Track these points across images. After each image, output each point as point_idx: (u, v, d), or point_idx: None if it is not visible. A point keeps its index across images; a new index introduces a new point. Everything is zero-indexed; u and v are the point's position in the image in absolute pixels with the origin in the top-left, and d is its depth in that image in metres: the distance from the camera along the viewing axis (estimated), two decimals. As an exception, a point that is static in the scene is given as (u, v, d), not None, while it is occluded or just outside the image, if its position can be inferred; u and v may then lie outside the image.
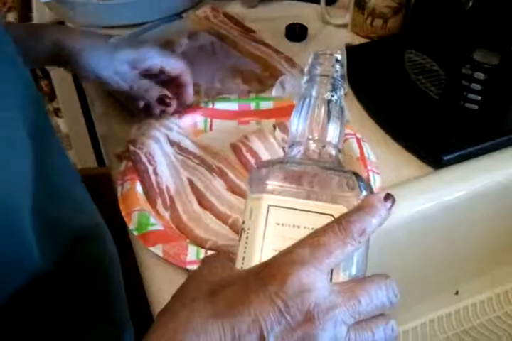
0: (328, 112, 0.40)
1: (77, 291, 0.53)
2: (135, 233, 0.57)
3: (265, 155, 0.65)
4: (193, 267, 0.54)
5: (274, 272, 0.32)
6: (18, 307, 0.43)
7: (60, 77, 1.29)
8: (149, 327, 0.34)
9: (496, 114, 0.65)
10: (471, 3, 0.60)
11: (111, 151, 0.71)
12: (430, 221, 0.64)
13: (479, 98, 0.63)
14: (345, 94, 0.75)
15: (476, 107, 0.64)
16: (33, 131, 0.42)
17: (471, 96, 0.64)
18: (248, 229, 0.36)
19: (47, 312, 0.48)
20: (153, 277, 0.57)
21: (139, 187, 0.62)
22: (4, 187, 0.38)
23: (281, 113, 0.70)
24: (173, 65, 0.67)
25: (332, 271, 0.33)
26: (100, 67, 0.64)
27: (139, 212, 0.59)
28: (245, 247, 0.36)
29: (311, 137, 0.40)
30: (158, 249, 0.56)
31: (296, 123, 0.41)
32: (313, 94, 0.40)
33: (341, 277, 0.34)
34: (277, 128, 0.68)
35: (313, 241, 0.33)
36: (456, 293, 0.76)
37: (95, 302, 0.57)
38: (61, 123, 1.67)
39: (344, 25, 0.89)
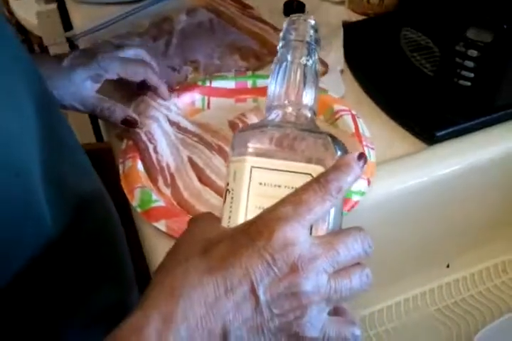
0: (304, 76, 0.42)
1: (85, 254, 0.55)
2: (138, 209, 0.59)
3: None
4: None
5: (260, 229, 0.35)
6: (31, 272, 0.45)
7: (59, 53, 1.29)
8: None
9: (488, 90, 0.66)
10: (465, -19, 0.61)
11: (110, 128, 0.72)
12: (423, 195, 0.66)
13: (472, 75, 0.65)
14: (342, 71, 0.77)
15: (469, 84, 0.65)
16: (38, 101, 0.44)
17: (464, 73, 0.65)
18: (232, 189, 0.39)
19: (57, 276, 0.51)
20: (156, 251, 0.59)
21: (140, 165, 0.63)
22: (15, 149, 0.40)
23: None
24: (133, 73, 0.66)
25: (312, 225, 0.37)
26: (59, 97, 0.63)
27: (141, 189, 0.60)
28: (231, 207, 0.39)
29: (287, 101, 0.42)
30: (161, 225, 0.57)
31: (273, 88, 0.43)
32: (289, 58, 0.42)
33: (320, 231, 0.37)
34: None
35: (295, 199, 0.36)
36: (448, 266, 0.78)
37: (103, 264, 0.60)
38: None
39: (341, 2, 0.89)
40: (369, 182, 0.60)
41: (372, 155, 0.62)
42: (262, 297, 0.34)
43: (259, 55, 0.79)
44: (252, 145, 0.39)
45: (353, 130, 0.64)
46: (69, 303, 0.54)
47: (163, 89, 0.68)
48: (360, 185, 0.59)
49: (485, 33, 0.61)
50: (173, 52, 0.79)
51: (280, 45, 0.43)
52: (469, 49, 0.63)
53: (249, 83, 0.72)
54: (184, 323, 0.33)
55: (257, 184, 0.38)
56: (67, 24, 1.01)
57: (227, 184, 0.40)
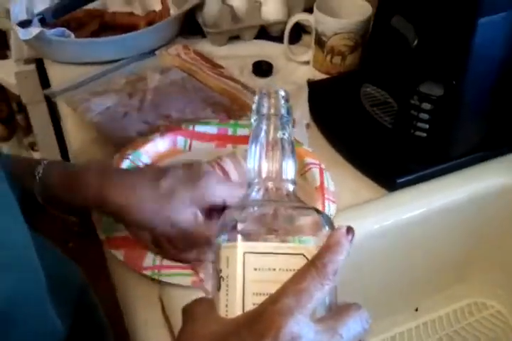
0: (282, 151, 0.42)
1: None
2: (102, 236, 0.62)
3: (234, 174, 0.70)
4: (149, 273, 0.59)
5: (266, 325, 0.34)
6: None
7: (37, 111, 1.33)
8: None
9: (442, 141, 0.71)
10: (416, 42, 0.67)
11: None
12: (386, 240, 0.69)
13: (427, 126, 0.69)
14: (308, 125, 0.81)
15: (425, 135, 0.70)
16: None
17: (419, 124, 0.70)
18: (227, 276, 0.38)
19: None
20: (118, 275, 0.62)
21: None
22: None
23: None
24: (236, 197, 0.57)
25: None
26: (153, 222, 0.56)
27: (108, 217, 0.62)
28: (227, 294, 0.37)
29: (269, 177, 0.42)
30: (119, 254, 0.60)
31: (253, 165, 0.42)
32: (264, 133, 0.42)
33: (319, 310, 0.37)
34: None
35: (295, 288, 0.35)
36: (416, 309, 0.81)
37: None
38: (36, 157, 1.70)
39: (306, 62, 0.95)
40: None
41: (332, 209, 0.65)
42: None
43: (230, 111, 0.83)
44: (241, 229, 0.38)
45: (318, 184, 0.68)
46: None
47: None
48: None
49: (436, 86, 0.66)
50: (148, 108, 0.83)
51: (253, 118, 0.43)
52: (423, 102, 0.68)
53: (230, 131, 0.76)
54: None
55: (251, 269, 0.37)
56: (45, 82, 1.05)
57: (220, 270, 0.38)
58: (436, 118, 0.68)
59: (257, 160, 0.42)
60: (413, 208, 0.69)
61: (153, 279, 0.60)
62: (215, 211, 0.59)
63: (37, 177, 0.58)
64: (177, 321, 0.55)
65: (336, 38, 0.88)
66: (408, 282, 0.76)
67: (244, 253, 0.37)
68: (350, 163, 0.75)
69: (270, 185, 0.42)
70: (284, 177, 0.42)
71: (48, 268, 0.45)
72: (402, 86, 0.71)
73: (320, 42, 0.90)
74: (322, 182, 0.68)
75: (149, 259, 0.60)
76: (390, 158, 0.73)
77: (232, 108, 0.84)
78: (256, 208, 0.40)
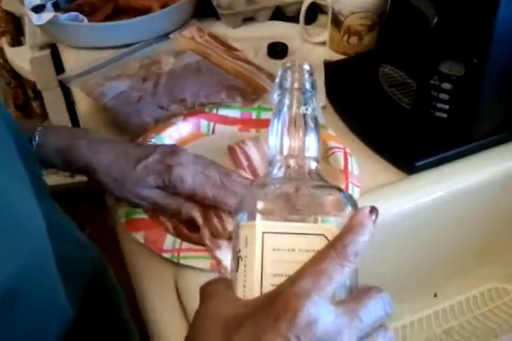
0: (305, 127, 0.40)
1: (94, 326, 0.54)
2: (123, 219, 0.63)
3: (257, 160, 0.69)
4: (168, 255, 0.59)
5: (283, 307, 0.33)
6: None
7: (52, 97, 1.33)
8: None
9: (463, 122, 0.69)
10: (436, 20, 0.65)
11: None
12: (405, 223, 0.67)
13: (447, 107, 0.67)
14: (324, 107, 0.80)
15: (445, 116, 0.68)
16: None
17: (439, 105, 0.68)
18: (245, 256, 0.37)
19: None
20: (134, 261, 0.63)
21: None
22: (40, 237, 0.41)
23: None
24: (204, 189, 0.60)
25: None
26: (142, 190, 0.60)
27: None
28: (245, 275, 0.36)
29: (291, 154, 0.40)
30: (140, 236, 0.61)
31: (275, 141, 0.40)
32: (287, 108, 0.40)
33: (339, 293, 0.35)
34: None
35: (314, 269, 0.34)
36: (435, 295, 0.80)
37: (108, 331, 0.59)
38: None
39: (322, 43, 0.93)
40: None
41: (356, 192, 0.64)
42: None
43: (245, 94, 0.82)
44: (260, 208, 0.37)
45: (342, 167, 0.67)
46: None
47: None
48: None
49: (457, 66, 0.64)
50: (162, 92, 0.82)
51: (276, 93, 0.41)
52: (443, 82, 0.66)
53: (254, 114, 0.75)
54: None
55: (270, 250, 0.36)
56: (59, 68, 1.05)
57: (239, 250, 0.37)
58: (457, 98, 0.66)
59: (278, 137, 0.40)
60: (432, 191, 0.67)
61: (172, 262, 0.59)
62: None
63: (33, 144, 0.61)
64: (192, 306, 0.55)
65: (352, 17, 0.86)
66: (427, 267, 0.74)
67: (263, 233, 0.36)
68: (367, 146, 0.74)
69: (292, 162, 0.40)
70: (306, 154, 0.40)
71: (60, 249, 0.45)
72: (421, 66, 0.69)
73: (336, 22, 0.88)
74: (346, 166, 0.67)
75: (169, 242, 0.60)
76: (408, 140, 0.71)
77: (246, 90, 0.83)
78: (277, 186, 0.38)
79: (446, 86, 0.66)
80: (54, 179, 1.45)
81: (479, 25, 0.62)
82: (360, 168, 0.68)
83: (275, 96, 0.42)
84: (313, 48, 0.93)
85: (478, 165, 0.69)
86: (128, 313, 0.65)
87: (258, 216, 0.36)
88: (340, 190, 0.38)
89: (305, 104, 0.41)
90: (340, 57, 0.90)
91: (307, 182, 0.39)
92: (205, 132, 0.75)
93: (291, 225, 0.36)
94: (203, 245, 0.60)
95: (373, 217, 0.36)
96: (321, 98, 0.81)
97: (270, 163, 0.41)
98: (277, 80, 0.42)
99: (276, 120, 0.41)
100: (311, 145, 0.40)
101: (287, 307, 0.33)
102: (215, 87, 0.83)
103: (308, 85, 0.41)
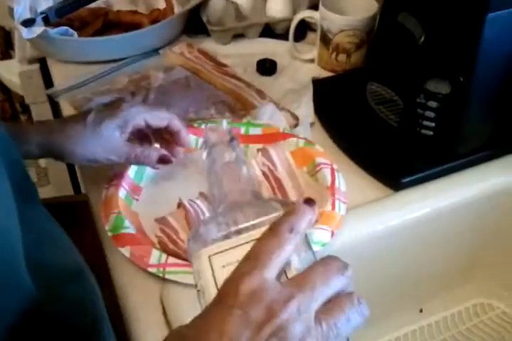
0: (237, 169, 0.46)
1: (62, 326, 0.54)
2: (109, 234, 0.63)
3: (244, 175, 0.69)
4: (154, 270, 0.59)
5: (226, 290, 0.35)
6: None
7: (40, 112, 1.32)
8: None
9: (449, 139, 0.70)
10: (423, 39, 0.66)
11: (88, 180, 0.75)
12: (391, 240, 0.68)
13: (433, 124, 0.68)
14: (312, 124, 0.80)
15: (431, 133, 0.69)
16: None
17: (426, 123, 0.69)
18: (201, 285, 0.39)
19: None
20: (122, 276, 0.62)
21: (121, 193, 0.67)
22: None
23: (268, 139, 0.74)
24: (160, 119, 0.66)
25: (284, 272, 0.37)
26: (91, 153, 0.63)
27: (116, 215, 0.64)
28: (205, 302, 0.38)
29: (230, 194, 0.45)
30: (126, 250, 0.61)
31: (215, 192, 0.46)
32: (215, 162, 0.47)
33: (290, 274, 0.37)
34: (259, 153, 0.72)
35: (252, 251, 0.36)
36: (421, 310, 0.80)
37: (81, 334, 0.59)
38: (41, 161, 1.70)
39: (311, 60, 0.94)
40: (333, 234, 0.61)
41: (342, 209, 0.64)
42: None
43: (234, 110, 0.83)
44: (202, 239, 0.40)
45: (329, 184, 0.67)
46: None
47: (184, 134, 0.68)
48: (322, 235, 0.61)
49: (443, 84, 0.65)
50: (151, 107, 0.82)
51: (205, 153, 0.48)
52: (429, 100, 0.67)
53: (243, 130, 0.76)
54: None
55: (220, 268, 0.38)
56: (48, 82, 1.05)
57: (196, 285, 0.40)
58: (443, 116, 0.67)
59: (217, 187, 0.46)
60: (419, 208, 0.68)
61: (158, 276, 0.59)
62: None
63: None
64: (177, 320, 0.55)
65: (341, 35, 0.86)
66: (413, 282, 0.75)
67: (209, 256, 0.39)
68: (355, 162, 0.74)
69: (231, 199, 0.44)
70: (246, 187, 0.45)
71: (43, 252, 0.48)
72: (408, 84, 0.70)
73: (325, 40, 0.89)
74: (333, 182, 0.67)
75: (155, 257, 0.60)
76: (395, 157, 0.72)
77: (235, 106, 0.83)
78: (220, 221, 0.42)
79: (432, 104, 0.67)
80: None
81: (465, 44, 0.63)
82: (347, 184, 0.68)
83: (204, 155, 0.49)
84: (302, 65, 0.94)
85: (464, 182, 0.70)
86: (105, 321, 0.65)
87: (202, 245, 0.40)
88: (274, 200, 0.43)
89: (230, 153, 0.48)
90: (329, 74, 0.91)
91: (247, 210, 0.43)
92: (193, 147, 0.75)
93: (234, 239, 0.40)
94: (188, 260, 0.59)
95: (311, 204, 0.38)
96: (309, 114, 0.81)
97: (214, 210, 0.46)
98: (202, 142, 0.48)
99: (211, 175, 0.47)
100: (249, 179, 0.46)
101: (230, 288, 0.35)
102: (204, 103, 0.83)
103: (230, 136, 0.49)
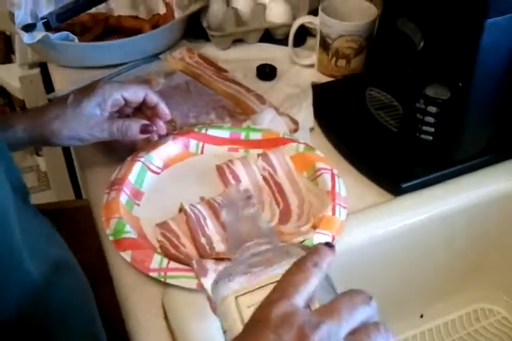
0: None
1: (51, 320, 0.55)
2: (110, 238, 0.63)
3: (245, 179, 0.69)
4: (155, 274, 0.59)
5: (258, 316, 0.37)
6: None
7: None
8: None
9: (448, 144, 0.70)
10: (422, 45, 0.66)
11: (90, 185, 0.75)
12: (391, 245, 0.68)
13: (433, 130, 0.69)
14: (312, 129, 0.80)
15: (431, 138, 0.69)
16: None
17: (425, 128, 0.69)
18: (229, 326, 0.40)
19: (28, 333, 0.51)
20: (122, 280, 0.62)
21: (122, 197, 0.67)
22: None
23: (268, 144, 0.74)
24: (135, 93, 0.69)
25: (309, 306, 0.38)
26: (78, 133, 0.67)
27: (117, 220, 0.64)
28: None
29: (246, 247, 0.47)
30: (127, 255, 0.61)
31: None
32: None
33: (314, 307, 0.38)
34: (260, 158, 0.72)
35: (279, 284, 0.38)
36: (421, 316, 0.80)
37: (70, 329, 0.59)
38: (41, 162, 1.70)
39: (311, 65, 0.94)
40: (333, 239, 0.62)
41: (343, 214, 0.65)
42: None
43: (234, 115, 0.83)
44: (229, 283, 0.42)
45: (330, 188, 0.67)
46: None
47: (162, 106, 0.71)
48: (323, 240, 0.61)
49: (442, 90, 0.66)
50: (151, 112, 0.82)
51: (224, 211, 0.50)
52: (429, 105, 0.67)
53: (243, 135, 0.76)
54: None
55: (246, 308, 0.40)
56: (49, 87, 1.05)
57: (223, 327, 0.41)
58: (442, 121, 0.68)
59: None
60: (419, 213, 0.68)
61: (159, 281, 0.59)
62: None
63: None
64: (178, 325, 0.55)
65: (340, 40, 0.87)
66: (413, 288, 0.75)
67: (236, 297, 0.41)
68: (354, 168, 0.74)
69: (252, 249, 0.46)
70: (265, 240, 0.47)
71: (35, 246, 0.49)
72: (407, 89, 0.70)
73: (325, 45, 0.89)
74: (333, 187, 0.67)
75: (156, 261, 0.60)
76: (395, 163, 0.72)
77: (235, 111, 0.84)
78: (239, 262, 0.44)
79: (432, 109, 0.67)
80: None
81: (464, 50, 0.63)
82: (347, 189, 0.68)
83: (224, 213, 0.50)
84: (302, 70, 0.94)
85: (463, 187, 0.70)
86: (96, 317, 0.65)
87: (229, 287, 0.41)
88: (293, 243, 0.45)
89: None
90: (328, 79, 0.91)
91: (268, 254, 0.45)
92: (193, 152, 0.76)
93: (259, 280, 0.41)
94: (190, 265, 0.60)
95: (330, 246, 0.41)
96: (309, 120, 0.82)
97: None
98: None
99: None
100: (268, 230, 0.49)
101: (262, 313, 0.37)
102: (204, 108, 0.84)
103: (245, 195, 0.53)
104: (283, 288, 0.37)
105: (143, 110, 0.73)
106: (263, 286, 0.41)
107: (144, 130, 0.69)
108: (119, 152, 0.77)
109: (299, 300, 0.37)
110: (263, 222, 0.49)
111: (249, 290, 0.41)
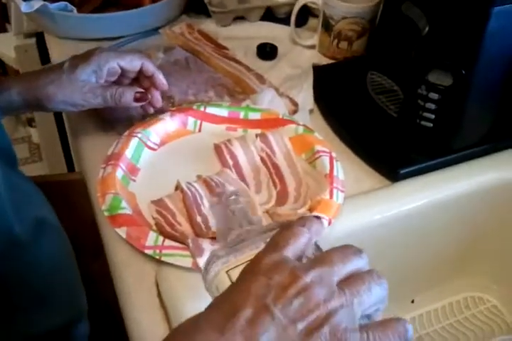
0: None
1: (31, 272, 0.57)
2: (106, 214, 0.62)
3: (243, 159, 0.69)
4: (150, 252, 0.59)
5: (248, 267, 0.37)
6: None
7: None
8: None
9: (448, 132, 0.70)
10: (426, 30, 0.65)
11: (85, 159, 0.74)
12: (387, 231, 0.68)
13: (433, 116, 0.68)
14: (312, 111, 0.80)
15: (431, 125, 0.69)
16: None
17: (426, 114, 0.69)
18: None
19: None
20: (117, 256, 0.62)
21: (118, 173, 0.66)
22: None
23: (267, 124, 0.74)
24: (131, 61, 0.70)
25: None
26: (72, 98, 0.67)
27: (113, 195, 0.63)
28: None
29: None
30: (122, 231, 0.61)
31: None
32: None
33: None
34: (258, 138, 0.72)
35: (268, 242, 0.39)
36: (412, 301, 0.80)
37: (48, 287, 0.61)
38: (33, 133, 1.68)
39: (312, 46, 0.94)
40: (330, 223, 0.62)
41: (340, 197, 0.65)
42: (272, 307, 0.34)
43: (233, 93, 0.82)
44: (218, 260, 0.43)
45: (328, 171, 0.67)
46: (7, 322, 0.54)
47: (159, 76, 0.72)
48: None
49: (445, 76, 0.65)
50: (150, 88, 0.81)
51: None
52: (430, 92, 0.67)
53: (242, 114, 0.75)
54: None
55: None
56: (44, 57, 1.03)
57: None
58: (443, 108, 0.67)
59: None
60: (415, 200, 0.68)
61: (153, 259, 0.59)
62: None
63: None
64: (172, 303, 0.55)
65: (343, 22, 0.86)
66: (406, 273, 0.75)
67: (227, 271, 0.42)
68: (353, 152, 0.74)
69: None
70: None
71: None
72: (409, 74, 0.70)
73: (327, 26, 0.88)
74: (331, 171, 0.67)
75: (151, 239, 0.60)
76: (393, 148, 0.72)
77: (235, 90, 0.83)
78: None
79: (434, 96, 0.67)
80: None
81: (469, 37, 0.62)
82: (345, 173, 0.68)
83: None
84: (303, 51, 0.94)
85: (461, 175, 0.70)
86: (77, 282, 0.67)
87: (219, 264, 0.42)
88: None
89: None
90: (329, 61, 0.91)
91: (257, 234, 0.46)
92: (191, 129, 0.75)
93: (247, 254, 0.42)
94: (185, 243, 0.60)
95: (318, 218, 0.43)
96: (308, 101, 0.81)
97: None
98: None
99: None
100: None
101: (251, 267, 0.38)
102: (203, 85, 0.83)
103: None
104: (272, 243, 0.38)
105: (140, 81, 0.73)
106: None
107: (139, 97, 0.70)
108: (115, 126, 0.76)
109: (289, 253, 0.38)
110: (251, 216, 0.50)
111: (239, 263, 0.41)
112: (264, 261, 0.37)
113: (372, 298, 0.37)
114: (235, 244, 0.44)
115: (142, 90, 0.70)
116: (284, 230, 0.40)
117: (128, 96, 0.69)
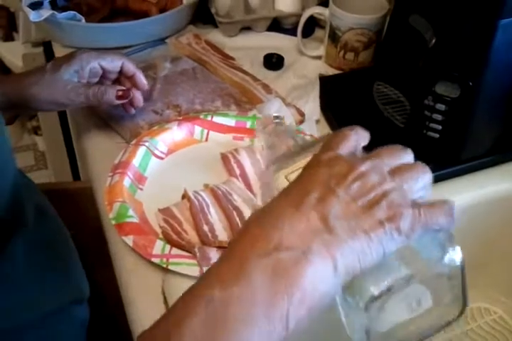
0: None
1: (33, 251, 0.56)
2: (113, 222, 0.62)
3: (249, 169, 0.69)
4: (157, 260, 0.59)
5: (307, 165, 0.43)
6: None
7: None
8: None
9: (454, 143, 0.70)
10: (434, 41, 0.66)
11: (93, 168, 0.75)
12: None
13: (440, 127, 0.68)
14: (318, 121, 0.80)
15: (438, 136, 0.69)
16: None
17: (432, 125, 0.69)
18: None
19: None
20: (123, 264, 0.62)
21: (126, 181, 0.67)
22: None
23: None
24: (112, 61, 0.72)
25: None
26: (55, 98, 0.69)
27: (120, 204, 0.64)
28: None
29: None
30: (129, 239, 0.61)
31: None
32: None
33: None
34: (265, 148, 0.72)
35: (322, 145, 0.43)
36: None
37: (48, 268, 0.59)
38: (39, 141, 1.69)
39: (318, 57, 0.94)
40: None
41: None
42: (336, 189, 0.39)
43: (240, 103, 0.82)
44: (277, 163, 0.49)
45: None
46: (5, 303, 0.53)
47: (139, 75, 0.74)
48: None
49: (452, 88, 0.65)
50: (157, 97, 0.82)
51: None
52: (437, 103, 0.67)
53: (249, 124, 0.76)
54: None
55: None
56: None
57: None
58: (450, 119, 0.67)
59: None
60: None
61: (160, 267, 0.59)
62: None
63: None
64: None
65: (350, 33, 0.86)
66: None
67: (286, 176, 0.48)
68: (359, 161, 0.74)
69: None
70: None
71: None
72: (416, 85, 0.70)
73: (333, 37, 0.89)
74: None
75: (158, 247, 0.60)
76: (400, 158, 0.72)
77: (241, 100, 0.83)
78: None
79: (441, 107, 0.67)
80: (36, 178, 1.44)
81: (476, 49, 0.63)
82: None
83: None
84: (309, 61, 0.94)
85: (468, 186, 0.70)
86: (78, 265, 0.65)
87: (278, 168, 0.49)
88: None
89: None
90: (336, 71, 0.91)
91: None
92: (198, 138, 0.75)
93: (305, 160, 0.46)
94: (192, 252, 0.60)
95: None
96: (315, 111, 0.82)
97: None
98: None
99: None
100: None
101: (310, 163, 0.43)
102: (210, 95, 0.83)
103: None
104: (325, 145, 0.43)
105: (121, 81, 0.75)
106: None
107: (121, 95, 0.72)
108: (122, 134, 0.76)
109: (344, 150, 0.42)
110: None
111: (298, 167, 0.46)
112: (323, 158, 0.41)
113: (418, 184, 0.41)
114: (288, 155, 0.50)
115: (124, 88, 0.72)
116: (334, 134, 0.44)
117: (110, 93, 0.71)
